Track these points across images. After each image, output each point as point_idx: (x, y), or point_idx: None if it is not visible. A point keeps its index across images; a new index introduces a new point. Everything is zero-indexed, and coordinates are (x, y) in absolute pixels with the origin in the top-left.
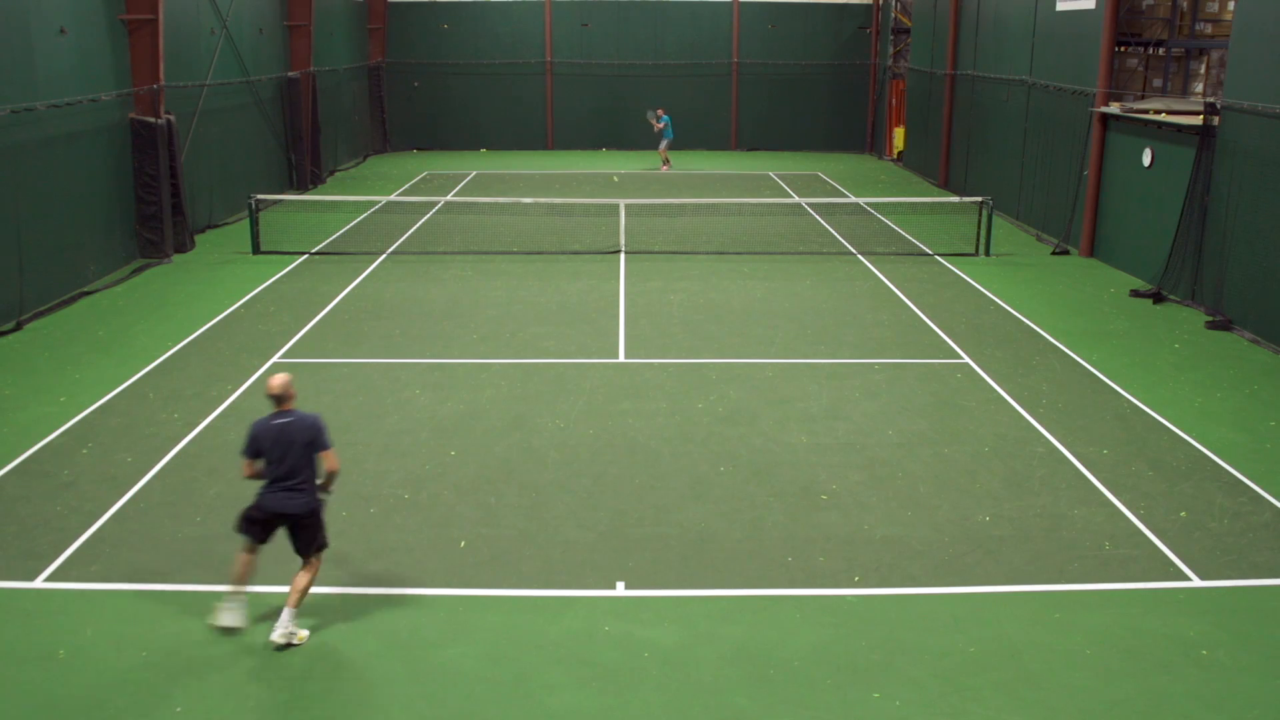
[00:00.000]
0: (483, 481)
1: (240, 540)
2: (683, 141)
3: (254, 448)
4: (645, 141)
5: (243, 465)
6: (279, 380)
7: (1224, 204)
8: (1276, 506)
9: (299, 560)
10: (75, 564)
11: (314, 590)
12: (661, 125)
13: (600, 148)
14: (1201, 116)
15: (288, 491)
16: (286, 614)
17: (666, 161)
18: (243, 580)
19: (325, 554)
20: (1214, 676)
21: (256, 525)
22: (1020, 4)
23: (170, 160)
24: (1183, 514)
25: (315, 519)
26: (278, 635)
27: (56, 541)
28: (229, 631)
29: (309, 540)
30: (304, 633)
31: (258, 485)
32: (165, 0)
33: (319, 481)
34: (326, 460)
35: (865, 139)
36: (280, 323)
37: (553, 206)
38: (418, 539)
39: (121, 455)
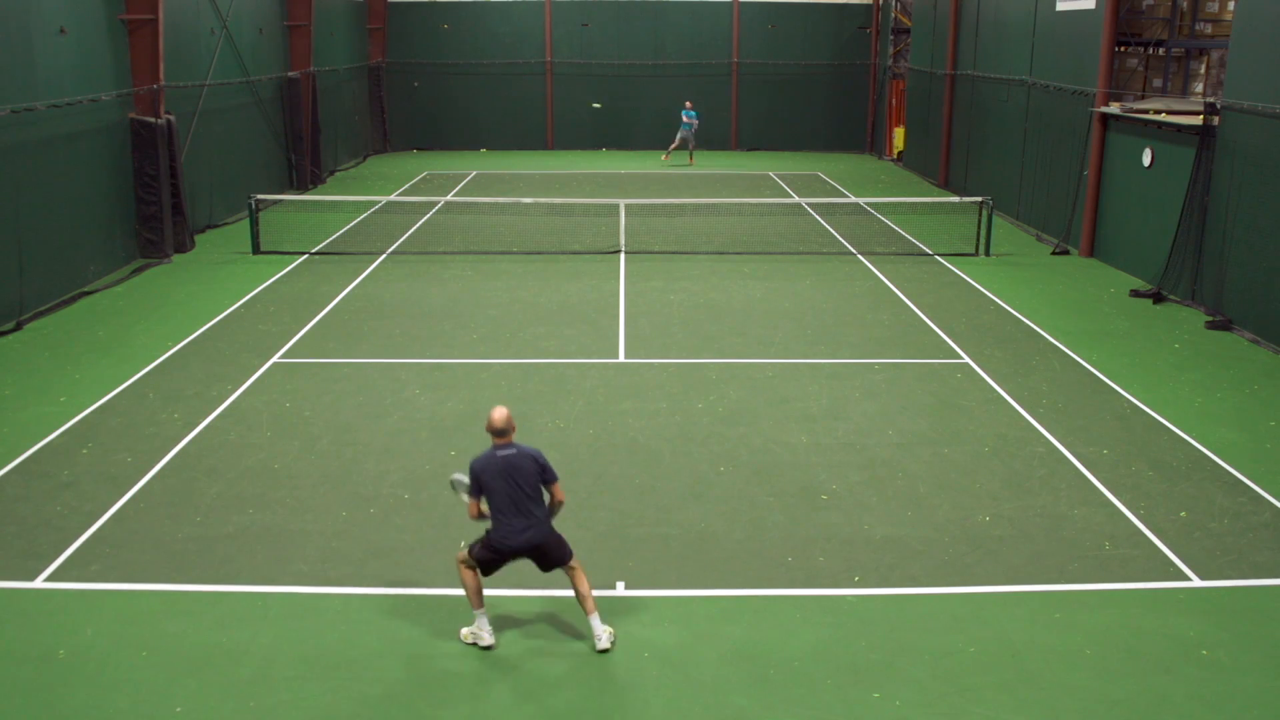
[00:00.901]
0: None
1: (469, 560)
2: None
3: (478, 485)
4: (646, 141)
5: (468, 506)
6: (501, 413)
7: (1224, 204)
8: (1276, 506)
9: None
10: (75, 564)
11: (313, 590)
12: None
13: (600, 148)
14: (1201, 116)
15: (522, 528)
16: (594, 621)
17: (690, 157)
18: (480, 595)
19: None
20: (1214, 676)
21: (491, 562)
22: (1020, 4)
23: (170, 160)
24: (1183, 514)
25: (555, 539)
26: (602, 642)
27: (56, 541)
28: (488, 649)
29: (556, 560)
30: (610, 629)
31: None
32: (165, 0)
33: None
34: (555, 491)
35: (865, 139)
36: (280, 323)
37: (553, 206)
38: (418, 539)
39: (121, 455)
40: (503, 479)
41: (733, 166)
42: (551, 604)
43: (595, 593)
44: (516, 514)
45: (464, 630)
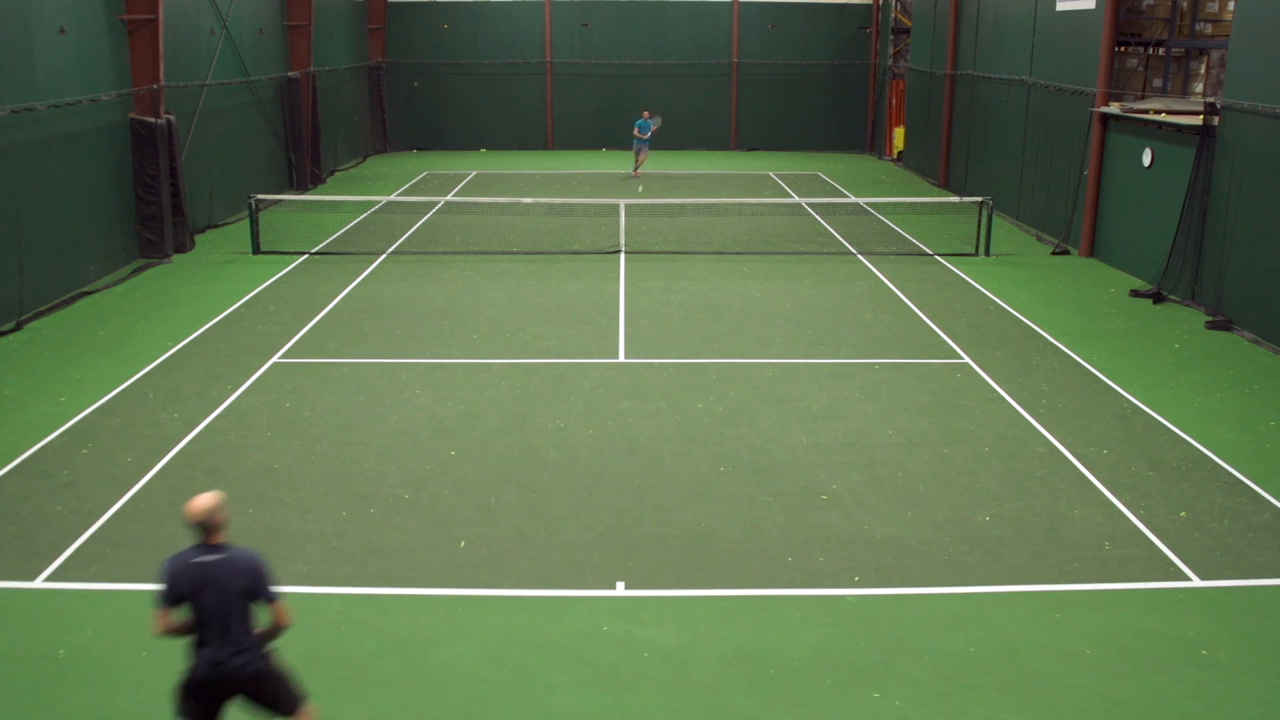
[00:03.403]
0: (483, 481)
1: None
2: (683, 141)
3: (172, 593)
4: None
5: (155, 617)
6: (203, 504)
7: (1224, 204)
8: (1276, 506)
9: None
10: (75, 564)
11: (313, 590)
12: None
13: (600, 148)
14: (1201, 116)
15: (221, 659)
16: None
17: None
18: None
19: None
20: (1214, 676)
21: (195, 702)
22: (1020, 4)
23: (170, 160)
24: (1183, 514)
25: (270, 682)
26: None
27: (56, 541)
28: None
29: (275, 701)
30: None
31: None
32: (165, 0)
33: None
34: (277, 614)
35: (865, 139)
36: (280, 323)
37: (553, 206)
38: (418, 539)
39: (121, 455)
40: (194, 593)
41: (733, 166)
42: (551, 604)
43: (595, 592)
44: (208, 642)
45: None
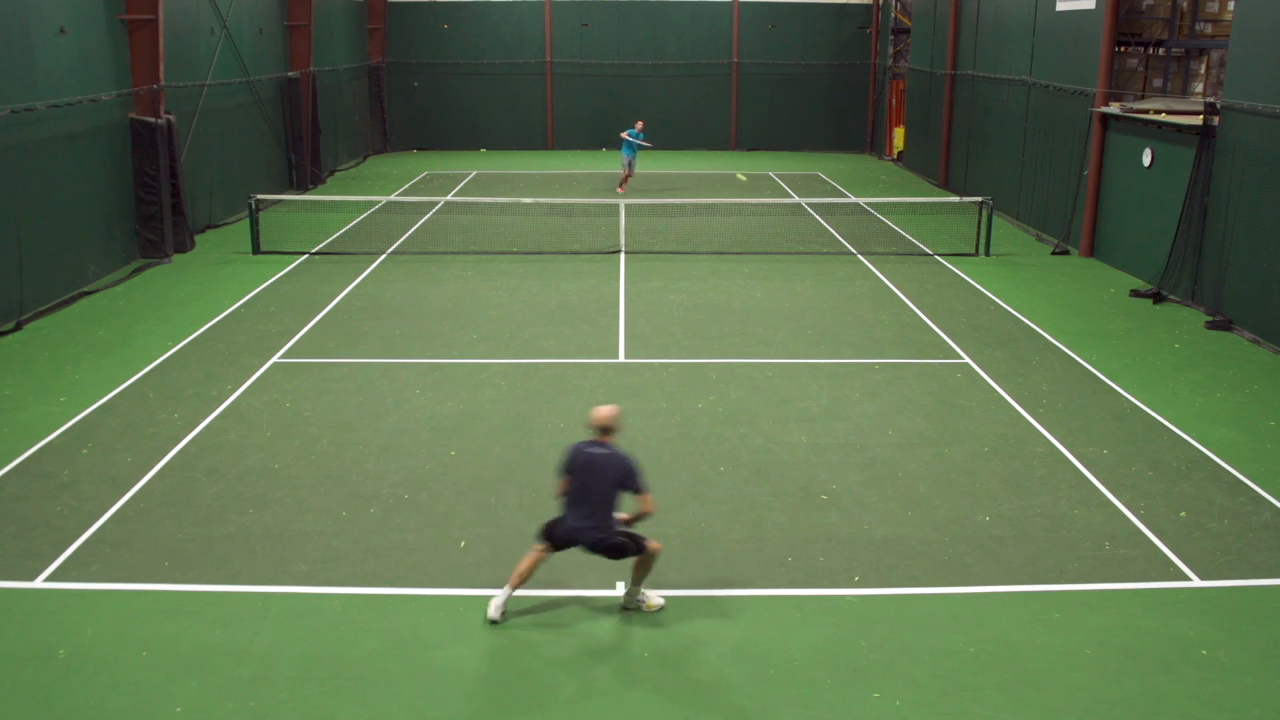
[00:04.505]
0: (483, 481)
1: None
2: (683, 141)
3: (566, 469)
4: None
5: (558, 484)
6: (603, 413)
7: (1224, 204)
8: (1276, 506)
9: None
10: (75, 564)
11: (313, 590)
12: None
13: (600, 148)
14: (1201, 116)
15: (574, 524)
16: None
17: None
18: (518, 576)
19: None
20: (1214, 676)
21: (553, 541)
22: (1020, 4)
23: (170, 160)
24: (1183, 514)
25: (610, 548)
26: (629, 600)
27: (56, 541)
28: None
29: (616, 556)
30: (657, 601)
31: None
32: (165, 0)
33: (620, 515)
34: (643, 502)
35: (865, 139)
36: (280, 323)
37: (553, 206)
38: (418, 539)
39: (121, 455)
40: (579, 472)
41: (733, 166)
42: (551, 604)
43: (595, 593)
44: (577, 509)
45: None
